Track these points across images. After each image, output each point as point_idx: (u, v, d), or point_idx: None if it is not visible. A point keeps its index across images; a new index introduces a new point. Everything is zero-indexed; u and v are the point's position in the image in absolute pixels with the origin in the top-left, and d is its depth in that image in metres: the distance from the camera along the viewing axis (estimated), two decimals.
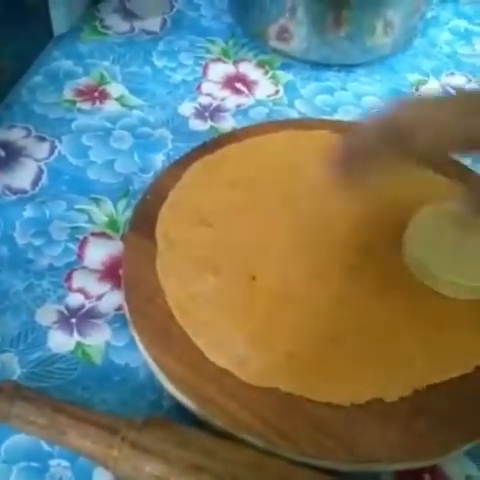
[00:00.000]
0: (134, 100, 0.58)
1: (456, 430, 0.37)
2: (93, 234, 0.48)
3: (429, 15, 0.67)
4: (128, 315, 0.41)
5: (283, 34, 0.60)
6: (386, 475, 0.37)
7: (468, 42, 0.66)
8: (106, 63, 0.61)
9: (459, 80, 0.62)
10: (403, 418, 0.37)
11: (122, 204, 0.50)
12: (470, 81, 0.62)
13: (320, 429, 0.36)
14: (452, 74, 0.63)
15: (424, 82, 0.61)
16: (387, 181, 0.43)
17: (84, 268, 0.46)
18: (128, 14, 0.66)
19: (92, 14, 0.66)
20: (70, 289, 0.44)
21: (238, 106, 0.58)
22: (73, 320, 0.43)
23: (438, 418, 0.37)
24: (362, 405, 0.37)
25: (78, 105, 0.57)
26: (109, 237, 0.48)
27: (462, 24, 0.68)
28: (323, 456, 0.36)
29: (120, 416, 0.36)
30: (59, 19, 0.59)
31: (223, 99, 0.59)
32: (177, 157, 0.51)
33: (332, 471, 0.35)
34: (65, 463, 0.37)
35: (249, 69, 0.62)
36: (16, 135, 0.54)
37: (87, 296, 0.44)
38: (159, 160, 0.53)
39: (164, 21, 0.66)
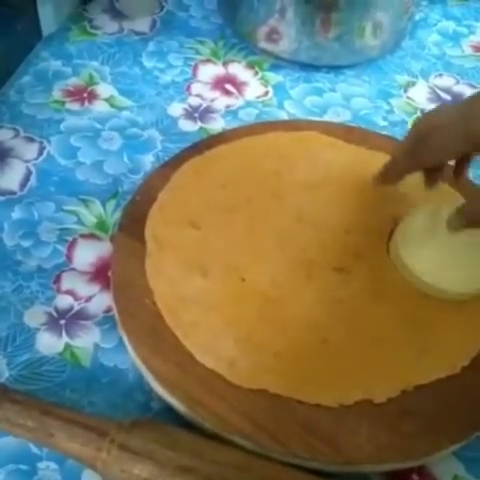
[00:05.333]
0: (123, 101, 0.58)
1: (443, 430, 0.37)
2: (82, 235, 0.48)
3: (417, 17, 0.68)
4: (117, 316, 0.41)
5: (272, 35, 0.60)
6: (374, 476, 0.37)
7: (456, 43, 0.67)
8: (95, 63, 0.61)
9: (447, 81, 0.62)
10: (391, 419, 0.37)
11: (111, 205, 0.50)
12: (458, 82, 0.62)
13: (309, 430, 0.36)
14: (440, 75, 0.63)
15: (412, 83, 0.62)
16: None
17: (73, 270, 0.46)
18: (117, 14, 0.66)
19: (81, 14, 0.66)
20: (59, 291, 0.44)
21: (228, 107, 0.58)
22: (62, 322, 0.43)
23: (426, 419, 0.37)
24: (351, 406, 0.38)
25: (67, 106, 0.57)
26: (98, 238, 0.48)
27: (450, 25, 0.69)
28: (312, 457, 0.36)
29: (109, 418, 0.36)
30: (47, 19, 0.59)
31: (213, 100, 0.59)
32: (166, 158, 0.52)
33: (321, 472, 0.36)
34: (54, 466, 0.37)
35: (239, 70, 0.62)
36: (4, 136, 0.54)
37: (76, 298, 0.44)
38: (148, 161, 0.53)
39: (153, 22, 0.66)
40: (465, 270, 0.43)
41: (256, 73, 0.62)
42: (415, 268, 0.43)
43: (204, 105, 0.58)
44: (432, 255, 0.43)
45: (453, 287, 0.42)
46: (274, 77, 0.61)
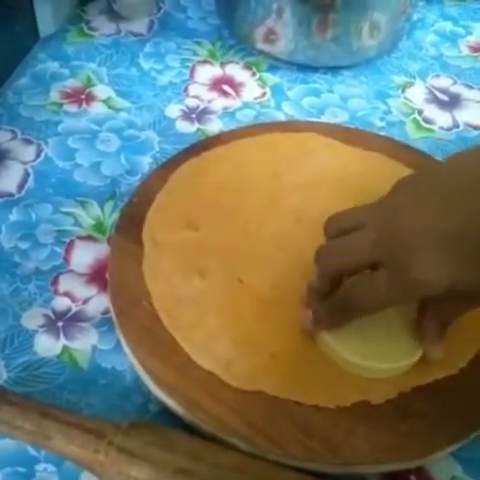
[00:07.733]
0: (121, 102, 0.58)
1: (441, 431, 0.37)
2: (79, 237, 0.48)
3: (415, 17, 0.68)
4: (114, 318, 0.41)
5: (270, 36, 0.60)
6: (372, 477, 0.37)
7: (453, 44, 0.67)
8: (93, 65, 0.61)
9: (445, 82, 0.62)
10: (389, 420, 0.37)
11: (109, 207, 0.50)
12: (455, 83, 0.62)
13: (306, 432, 0.36)
14: (438, 76, 0.63)
15: (410, 84, 0.62)
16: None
17: (70, 271, 0.46)
18: (115, 16, 0.66)
19: (78, 16, 0.66)
20: (56, 293, 0.44)
21: (225, 108, 0.58)
22: (59, 324, 0.43)
23: (423, 420, 0.37)
24: (348, 407, 0.37)
25: (64, 107, 0.57)
26: (96, 240, 0.48)
27: (447, 26, 0.69)
28: (309, 459, 0.36)
29: (106, 420, 0.36)
30: (45, 21, 0.59)
31: (210, 101, 0.59)
32: (164, 159, 0.52)
33: (318, 473, 0.36)
34: (51, 468, 0.37)
35: (236, 71, 0.62)
36: (2, 138, 0.54)
37: (74, 300, 0.44)
38: (146, 162, 0.53)
39: (151, 23, 0.66)
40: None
41: (254, 74, 0.62)
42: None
43: (201, 106, 0.58)
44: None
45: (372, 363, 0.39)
46: (272, 78, 0.61)
